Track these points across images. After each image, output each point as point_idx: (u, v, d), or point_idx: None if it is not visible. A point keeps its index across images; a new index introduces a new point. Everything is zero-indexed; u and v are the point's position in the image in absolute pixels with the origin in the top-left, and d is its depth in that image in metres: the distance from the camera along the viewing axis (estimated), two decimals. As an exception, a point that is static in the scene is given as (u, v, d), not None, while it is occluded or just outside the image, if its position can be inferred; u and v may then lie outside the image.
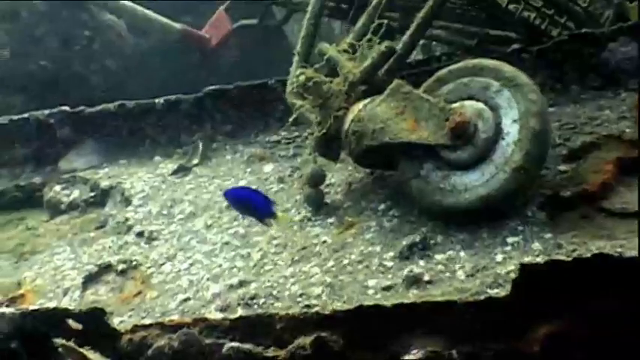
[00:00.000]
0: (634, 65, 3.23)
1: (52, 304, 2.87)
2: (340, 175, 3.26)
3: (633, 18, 3.62)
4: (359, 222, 2.94)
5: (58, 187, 3.74)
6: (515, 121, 2.65)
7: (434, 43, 4.86)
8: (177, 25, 5.97)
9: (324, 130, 3.01)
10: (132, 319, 2.70)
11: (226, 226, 3.14)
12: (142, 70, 5.96)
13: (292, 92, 3.20)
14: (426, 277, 2.51)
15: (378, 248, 2.75)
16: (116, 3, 5.85)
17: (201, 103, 3.87)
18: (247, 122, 3.85)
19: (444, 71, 2.87)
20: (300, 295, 2.59)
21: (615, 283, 1.97)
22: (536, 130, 2.60)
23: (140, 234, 3.24)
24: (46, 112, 4.00)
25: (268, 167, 3.55)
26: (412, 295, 2.44)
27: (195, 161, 3.73)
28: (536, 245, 2.53)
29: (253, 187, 3.30)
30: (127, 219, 3.37)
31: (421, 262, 2.61)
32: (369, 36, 3.04)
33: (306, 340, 2.18)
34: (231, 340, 2.25)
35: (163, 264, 3.01)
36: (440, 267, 2.57)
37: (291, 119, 3.17)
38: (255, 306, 2.59)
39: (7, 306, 2.86)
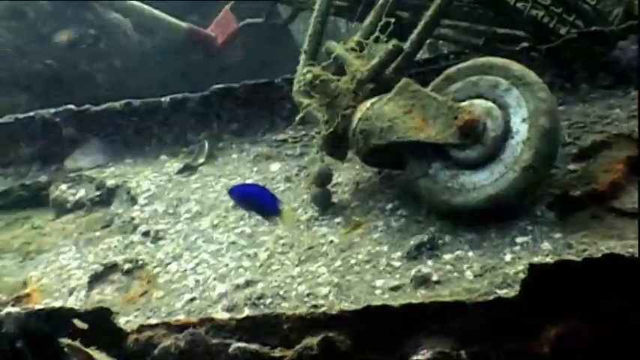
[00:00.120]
0: (642, 63, 3.22)
1: (57, 304, 2.85)
2: (347, 174, 3.24)
3: (643, 16, 3.60)
4: (366, 222, 2.92)
5: (63, 186, 3.73)
6: (524, 119, 2.63)
7: (440, 42, 4.85)
8: (184, 24, 5.96)
9: (332, 129, 2.99)
10: (138, 318, 2.68)
11: (233, 226, 3.12)
12: (148, 69, 5.95)
13: (299, 91, 3.18)
14: (435, 277, 2.49)
15: (385, 248, 2.74)
16: (123, 3, 5.84)
17: (207, 101, 3.85)
18: (254, 121, 3.83)
19: (452, 70, 2.85)
20: (308, 295, 2.57)
21: (626, 283, 1.95)
22: (545, 129, 2.58)
23: (146, 233, 3.22)
24: (52, 110, 3.98)
25: (275, 166, 3.53)
26: (420, 296, 2.42)
27: (202, 160, 3.71)
28: (546, 245, 2.51)
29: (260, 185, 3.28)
30: (132, 218, 3.35)
31: (429, 262, 2.59)
32: (377, 34, 3.01)
33: (313, 341, 2.16)
34: (238, 340, 2.23)
35: (169, 263, 2.99)
36: (448, 267, 2.55)
37: (298, 118, 3.15)
38: (262, 306, 2.57)
39: (13, 305, 2.84)
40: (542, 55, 3.33)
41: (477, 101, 2.72)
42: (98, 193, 3.64)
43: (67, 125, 3.97)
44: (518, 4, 3.55)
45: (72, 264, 3.16)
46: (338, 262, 2.72)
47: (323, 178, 3.08)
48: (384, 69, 2.98)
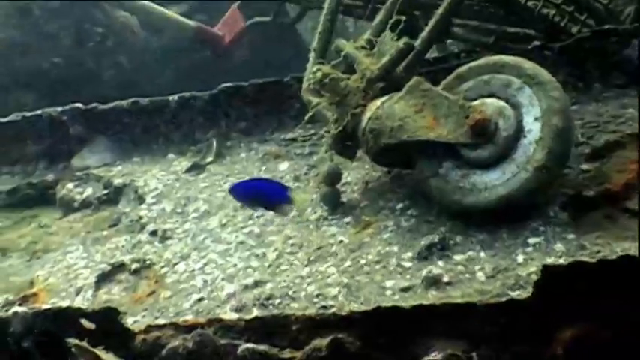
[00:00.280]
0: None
1: (64, 303, 2.84)
2: (357, 173, 3.22)
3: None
4: (376, 221, 2.90)
5: (71, 185, 3.72)
6: (537, 119, 2.60)
7: (449, 41, 4.81)
8: (192, 23, 5.95)
9: (341, 128, 2.97)
10: (145, 318, 2.67)
11: (241, 225, 3.10)
12: (155, 68, 5.95)
13: (308, 89, 3.16)
14: (446, 278, 2.47)
15: (395, 248, 2.71)
16: (132, 2, 5.83)
17: (215, 100, 3.83)
18: (262, 120, 3.82)
19: (463, 68, 2.82)
20: (317, 296, 2.55)
21: (641, 285, 1.92)
22: (558, 128, 2.56)
23: (154, 233, 3.21)
24: (59, 109, 3.98)
25: (283, 165, 3.51)
26: (431, 297, 2.40)
27: (210, 159, 3.70)
28: (559, 246, 2.49)
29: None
30: (140, 217, 3.34)
31: (440, 263, 2.57)
32: (387, 32, 2.99)
33: (322, 342, 2.13)
34: (247, 341, 2.21)
35: (177, 263, 2.97)
36: (459, 268, 2.52)
37: (307, 117, 3.13)
38: (271, 306, 2.55)
39: (20, 305, 2.83)
40: (554, 54, 3.30)
41: (488, 100, 2.69)
42: (105, 191, 3.64)
43: (74, 124, 3.96)
44: (529, 3, 3.52)
45: (79, 263, 3.15)
46: (348, 263, 2.70)
47: (332, 178, 3.05)
48: (395, 67, 2.95)
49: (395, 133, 2.78)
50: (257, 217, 3.11)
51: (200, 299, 2.71)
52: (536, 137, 2.58)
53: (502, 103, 2.67)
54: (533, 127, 2.60)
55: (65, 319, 2.30)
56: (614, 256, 2.05)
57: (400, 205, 2.95)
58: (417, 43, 2.99)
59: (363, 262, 2.68)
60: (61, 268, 3.15)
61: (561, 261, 2.38)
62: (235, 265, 2.86)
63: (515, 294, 2.26)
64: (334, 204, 3.05)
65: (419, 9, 3.62)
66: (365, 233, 2.85)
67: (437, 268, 2.53)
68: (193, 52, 6.04)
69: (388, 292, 2.49)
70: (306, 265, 2.75)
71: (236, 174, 3.53)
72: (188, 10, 6.12)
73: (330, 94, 2.99)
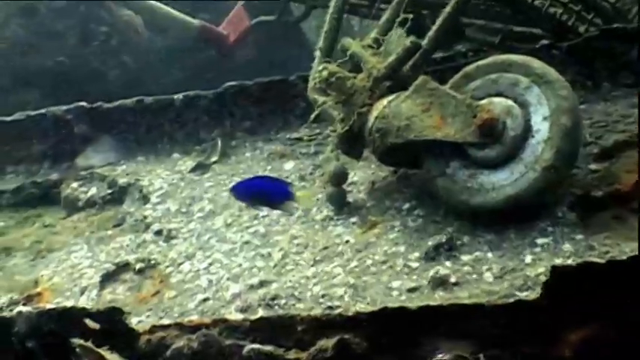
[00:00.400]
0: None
1: (69, 303, 2.84)
2: (363, 173, 3.21)
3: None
4: (382, 221, 2.88)
5: (75, 184, 3.71)
6: (545, 118, 2.59)
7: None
8: (196, 22, 5.94)
9: (347, 127, 2.95)
10: (150, 319, 2.66)
11: (246, 225, 3.09)
12: (159, 67, 5.94)
13: (314, 88, 3.15)
14: (453, 279, 2.46)
15: (402, 248, 2.70)
16: (137, 2, 5.83)
17: (220, 99, 3.82)
18: (267, 119, 3.80)
19: (471, 67, 2.80)
20: (323, 296, 2.54)
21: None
22: (567, 128, 2.54)
23: (158, 232, 3.20)
24: (64, 108, 3.97)
25: (289, 165, 3.50)
26: (438, 297, 2.39)
27: (214, 158, 3.69)
28: (567, 247, 2.47)
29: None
30: (145, 217, 3.33)
31: (447, 263, 2.56)
32: (394, 31, 2.97)
33: (328, 343, 2.12)
34: (252, 342, 2.19)
35: (182, 263, 2.96)
36: (467, 268, 2.51)
37: (312, 116, 3.12)
38: (277, 307, 2.54)
39: (24, 304, 2.82)
40: (562, 53, 3.28)
41: (496, 99, 2.68)
42: (110, 191, 3.62)
43: (78, 122, 3.95)
44: (536, 2, 3.50)
45: (83, 263, 3.14)
46: (354, 263, 2.69)
47: (338, 177, 3.04)
48: (402, 66, 2.94)
49: (402, 133, 2.76)
50: (262, 216, 3.09)
51: (205, 299, 2.70)
52: (544, 137, 2.57)
53: (510, 102, 2.65)
54: (541, 127, 2.59)
55: (69, 319, 2.29)
56: (623, 257, 2.03)
57: (407, 205, 2.93)
58: (424, 42, 2.97)
59: (369, 262, 2.67)
60: (66, 267, 3.14)
61: (570, 262, 2.36)
62: (240, 265, 2.85)
63: (523, 295, 2.25)
64: (340, 204, 3.04)
65: (426, 8, 3.60)
66: (371, 233, 2.84)
67: (444, 268, 2.51)
68: (198, 51, 6.03)
69: (395, 293, 2.48)
70: (311, 266, 2.74)
71: (241, 173, 3.51)
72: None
73: (336, 93, 2.98)
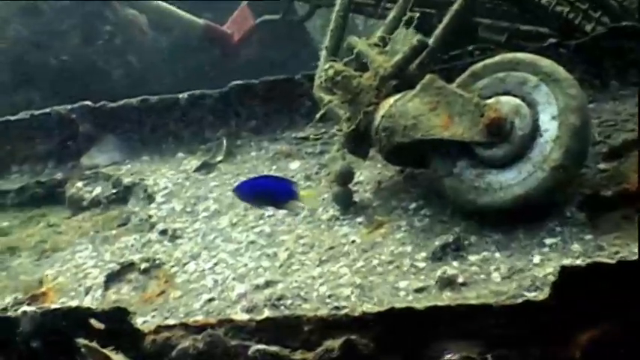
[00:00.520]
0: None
1: (74, 303, 2.83)
2: (369, 172, 3.19)
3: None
4: (389, 221, 2.87)
5: (79, 184, 3.71)
6: (554, 117, 2.57)
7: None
8: (200, 21, 5.93)
9: (354, 127, 2.93)
10: (155, 319, 2.64)
11: (252, 225, 3.08)
12: (163, 66, 5.93)
13: (320, 87, 3.13)
14: (460, 279, 2.44)
15: (409, 248, 2.69)
16: (141, 2, 5.83)
17: (225, 98, 3.81)
18: (273, 118, 3.78)
19: (478, 66, 2.78)
20: (329, 297, 2.52)
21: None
22: (576, 127, 2.52)
23: (163, 232, 3.19)
24: (68, 107, 3.96)
25: (294, 164, 3.48)
26: (446, 298, 2.38)
27: (220, 158, 3.67)
28: (576, 247, 2.46)
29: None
30: (150, 216, 3.32)
31: (455, 263, 2.54)
32: (400, 29, 2.96)
33: (334, 343, 2.10)
34: (258, 342, 2.17)
35: (187, 263, 2.95)
36: (474, 268, 2.49)
37: (318, 115, 3.12)
38: (282, 307, 2.52)
39: (29, 304, 2.82)
40: (570, 52, 3.26)
41: (504, 98, 2.66)
42: (114, 190, 3.61)
43: (83, 122, 3.94)
44: (543, 0, 3.48)
45: (88, 263, 3.13)
46: (360, 263, 2.67)
47: (344, 177, 3.02)
48: (408, 65, 2.92)
49: (408, 132, 2.75)
50: (268, 216, 3.08)
51: (210, 299, 2.69)
52: (553, 136, 2.55)
53: (518, 101, 2.64)
54: (549, 126, 2.57)
55: (74, 319, 2.27)
56: (633, 257, 2.01)
57: (413, 205, 2.92)
58: (431, 40, 2.95)
59: (375, 262, 2.65)
60: (70, 267, 3.13)
61: (579, 262, 2.34)
62: (246, 265, 2.83)
63: (531, 295, 2.23)
64: (346, 203, 3.02)
65: (433, 7, 3.58)
66: (378, 233, 2.83)
67: (451, 268, 2.50)
68: (202, 50, 6.02)
69: (402, 293, 2.46)
70: (317, 266, 2.72)
71: (246, 173, 3.50)
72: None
73: (343, 92, 2.97)
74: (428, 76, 2.78)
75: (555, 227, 2.55)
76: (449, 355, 2.04)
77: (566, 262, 2.35)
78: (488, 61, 2.78)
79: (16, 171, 4.01)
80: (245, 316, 2.42)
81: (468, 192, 2.68)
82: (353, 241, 2.81)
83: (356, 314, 2.13)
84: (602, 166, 2.76)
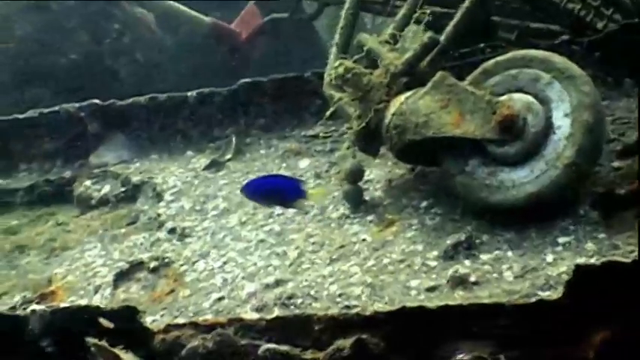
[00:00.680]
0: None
1: (83, 302, 2.83)
2: (380, 170, 3.18)
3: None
4: (400, 220, 2.85)
5: (88, 182, 3.71)
6: (567, 114, 2.55)
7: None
8: (207, 19, 5.92)
9: (364, 124, 2.92)
10: (164, 318, 2.64)
11: (261, 223, 3.07)
12: (171, 65, 5.92)
13: (330, 84, 3.11)
14: (472, 278, 2.42)
15: (420, 247, 2.67)
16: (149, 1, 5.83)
17: (234, 96, 3.79)
18: (282, 116, 3.77)
19: (490, 63, 2.77)
20: (340, 295, 2.51)
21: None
22: (589, 124, 2.50)
23: (172, 230, 3.18)
24: (77, 105, 3.96)
25: (304, 162, 3.48)
26: (458, 297, 2.36)
27: (229, 156, 3.67)
28: (590, 245, 2.43)
29: None
30: (158, 215, 3.32)
31: (467, 262, 2.52)
32: (411, 26, 2.94)
33: (345, 343, 2.08)
34: (268, 342, 2.16)
35: (196, 262, 2.94)
36: (486, 267, 2.47)
37: (328, 112, 3.10)
38: (293, 306, 2.51)
39: (38, 303, 2.81)
40: (583, 49, 3.23)
41: (516, 95, 2.64)
42: (123, 189, 3.62)
43: (91, 120, 3.93)
44: (554, -3, 3.45)
45: (97, 261, 3.13)
46: (371, 262, 2.66)
47: (355, 175, 3.01)
48: (419, 62, 2.90)
49: (420, 130, 2.73)
50: (278, 215, 3.07)
51: (220, 298, 2.68)
52: (566, 133, 2.53)
53: (530, 98, 2.62)
54: (562, 123, 2.55)
55: (83, 318, 2.26)
56: (648, 256, 1.99)
57: (424, 203, 2.90)
58: (442, 37, 2.93)
59: (386, 261, 2.64)
60: (79, 266, 3.13)
61: (593, 261, 2.32)
62: (256, 263, 2.82)
63: (545, 294, 2.21)
64: (356, 202, 3.01)
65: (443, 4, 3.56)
66: (388, 232, 2.81)
67: (463, 267, 2.48)
68: (209, 49, 6.01)
69: (413, 292, 2.45)
70: (328, 264, 2.71)
71: (256, 171, 3.50)
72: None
73: (353, 90, 2.95)
74: (439, 74, 2.76)
75: (569, 226, 2.54)
76: (460, 355, 2.02)
77: (580, 261, 2.33)
78: (500, 58, 2.77)
79: (25, 169, 4.02)
80: (255, 315, 2.43)
81: (480, 190, 2.66)
82: (363, 240, 2.80)
83: (367, 313, 2.12)
84: (616, 164, 2.74)
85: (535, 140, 2.57)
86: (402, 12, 3.15)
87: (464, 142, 2.69)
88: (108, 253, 3.17)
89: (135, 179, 3.61)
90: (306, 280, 2.63)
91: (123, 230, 3.34)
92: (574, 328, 1.97)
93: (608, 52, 3.21)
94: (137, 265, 3.02)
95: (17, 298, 2.94)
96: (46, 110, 4.00)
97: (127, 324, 2.27)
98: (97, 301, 2.86)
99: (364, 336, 2.07)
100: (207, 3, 6.07)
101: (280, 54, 5.99)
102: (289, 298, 2.54)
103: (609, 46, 3.20)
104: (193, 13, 5.93)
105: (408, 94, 2.82)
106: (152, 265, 2.99)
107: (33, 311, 2.26)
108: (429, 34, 2.88)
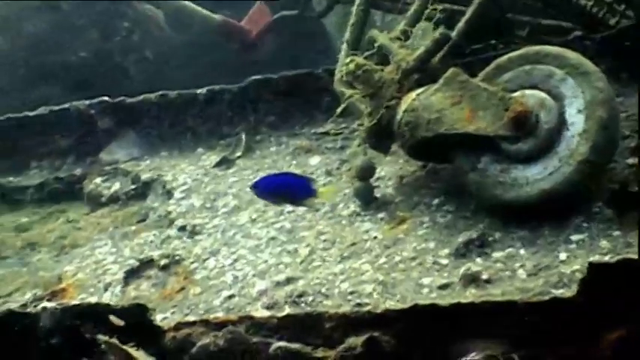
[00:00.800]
0: None
1: (93, 300, 2.83)
2: (391, 168, 3.16)
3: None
4: (411, 217, 2.84)
5: (98, 180, 3.72)
6: (580, 110, 2.52)
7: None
8: (217, 17, 5.92)
9: (375, 121, 2.90)
10: (175, 315, 2.63)
11: (272, 221, 3.06)
12: (180, 62, 5.92)
13: (341, 81, 3.10)
14: (485, 276, 2.40)
15: (432, 245, 2.65)
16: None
17: (245, 93, 3.78)
18: (292, 113, 3.76)
19: (503, 59, 2.74)
20: (351, 293, 2.49)
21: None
22: (603, 120, 2.48)
23: (183, 228, 3.18)
24: (87, 102, 3.96)
25: (315, 160, 3.46)
26: (470, 295, 2.34)
27: (239, 153, 3.67)
28: (604, 243, 2.41)
29: None
30: (169, 212, 3.31)
31: (479, 260, 2.50)
32: (422, 22, 2.92)
33: (357, 341, 2.08)
34: (279, 340, 2.16)
35: (207, 259, 2.94)
36: (499, 265, 2.45)
37: (339, 109, 3.08)
38: (304, 304, 2.51)
39: (49, 300, 2.82)
40: (596, 45, 3.20)
41: (529, 92, 2.62)
42: (134, 186, 3.63)
43: (102, 117, 3.93)
44: (567, -6, 3.42)
45: (107, 259, 3.13)
46: (382, 259, 2.65)
47: (365, 172, 2.99)
48: (431, 58, 2.88)
49: (432, 126, 2.71)
50: (288, 212, 3.06)
51: (231, 296, 2.67)
52: (579, 130, 2.51)
53: (544, 94, 2.59)
54: (576, 120, 2.53)
55: (94, 315, 2.26)
56: (664, 254, 1.97)
57: (436, 201, 2.88)
58: (454, 33, 2.91)
59: (398, 258, 2.62)
60: (90, 263, 3.13)
61: (607, 259, 2.30)
62: (266, 261, 2.81)
63: (558, 292, 2.18)
64: (367, 199, 2.99)
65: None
66: (400, 229, 2.80)
67: (475, 265, 2.47)
68: (219, 46, 6.00)
69: (425, 290, 2.43)
70: (339, 262, 2.70)
71: (266, 168, 3.49)
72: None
73: (364, 86, 2.94)
74: (451, 70, 2.75)
75: (582, 223, 2.51)
76: (473, 354, 2.00)
77: (594, 258, 2.31)
78: (513, 54, 2.74)
79: (35, 167, 4.03)
80: (266, 313, 2.42)
81: (493, 187, 2.64)
82: (375, 237, 2.79)
83: (378, 311, 2.11)
84: (630, 160, 2.71)
85: (548, 137, 2.55)
86: (413, 8, 3.13)
87: (476, 139, 2.66)
88: (118, 250, 3.17)
89: (145, 176, 3.62)
90: (317, 278, 2.62)
91: (133, 228, 3.33)
92: (588, 327, 1.95)
93: (621, 48, 3.19)
94: (147, 263, 3.02)
95: (28, 296, 2.95)
96: (56, 108, 4.00)
97: (137, 321, 2.27)
98: (107, 298, 2.86)
99: (376, 334, 2.07)
100: (217, 1, 6.08)
101: (290, 51, 5.99)
102: (300, 295, 2.53)
103: (622, 42, 3.19)
104: (203, 11, 5.94)
105: (420, 90, 2.81)
106: (162, 262, 2.99)
107: (44, 308, 2.27)
108: (441, 29, 2.86)
